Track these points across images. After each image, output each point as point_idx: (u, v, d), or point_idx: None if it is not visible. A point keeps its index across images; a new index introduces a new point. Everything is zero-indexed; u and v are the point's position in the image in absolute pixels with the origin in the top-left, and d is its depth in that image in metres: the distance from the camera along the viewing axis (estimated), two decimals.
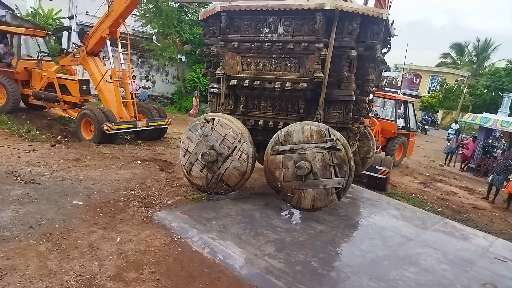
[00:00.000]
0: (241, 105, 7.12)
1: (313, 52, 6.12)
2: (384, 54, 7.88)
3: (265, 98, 6.99)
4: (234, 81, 6.80)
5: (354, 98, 6.57)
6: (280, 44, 6.28)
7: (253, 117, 7.13)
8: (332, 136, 5.95)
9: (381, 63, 7.81)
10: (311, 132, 6.06)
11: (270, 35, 6.41)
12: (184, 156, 6.98)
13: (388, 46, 7.76)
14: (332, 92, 6.45)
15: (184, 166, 7.01)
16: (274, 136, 6.40)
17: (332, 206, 6.48)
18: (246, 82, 6.66)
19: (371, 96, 8.22)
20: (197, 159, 6.78)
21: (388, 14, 6.61)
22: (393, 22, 7.23)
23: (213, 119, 6.68)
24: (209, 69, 7.43)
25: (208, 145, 6.67)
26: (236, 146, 6.48)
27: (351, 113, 6.67)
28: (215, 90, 7.40)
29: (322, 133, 6.00)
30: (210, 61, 7.38)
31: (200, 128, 6.76)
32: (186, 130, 6.98)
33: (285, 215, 6.79)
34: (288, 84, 6.34)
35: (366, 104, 7.11)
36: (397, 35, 7.88)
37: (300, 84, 6.30)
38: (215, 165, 6.68)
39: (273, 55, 6.48)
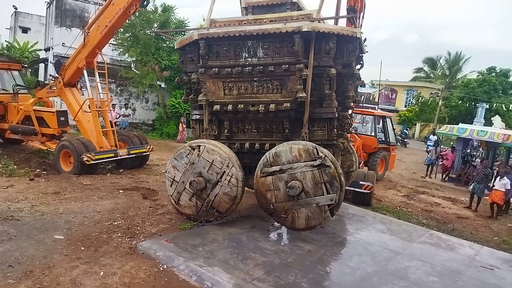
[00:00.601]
0: (225, 130, 7.11)
1: (294, 73, 6.22)
2: (358, 70, 8.11)
3: (249, 121, 7.01)
4: (217, 107, 6.81)
5: (336, 114, 6.69)
6: (261, 67, 6.37)
7: (239, 141, 7.12)
8: (321, 154, 6.00)
9: (357, 79, 8.02)
10: (299, 151, 6.09)
11: (250, 59, 6.50)
12: (171, 186, 6.84)
13: (361, 62, 8.01)
14: (315, 111, 6.55)
15: (171, 196, 6.87)
16: (262, 158, 6.39)
17: (326, 224, 6.45)
18: (230, 107, 6.69)
19: (350, 111, 8.38)
20: (185, 187, 6.67)
21: (361, 33, 6.82)
22: (365, 39, 7.47)
23: (199, 145, 6.62)
24: (189, 96, 7.44)
25: (195, 173, 6.59)
26: (224, 171, 6.43)
27: (335, 130, 6.76)
28: (198, 116, 7.38)
29: (310, 151, 6.04)
30: (190, 88, 7.39)
31: (186, 156, 6.69)
32: (171, 159, 6.87)
33: (273, 236, 6.73)
34: (272, 106, 6.41)
35: (348, 120, 7.26)
36: (367, 52, 8.14)
37: (284, 105, 6.36)
38: (204, 193, 6.58)
39: (255, 78, 6.55)
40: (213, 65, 6.68)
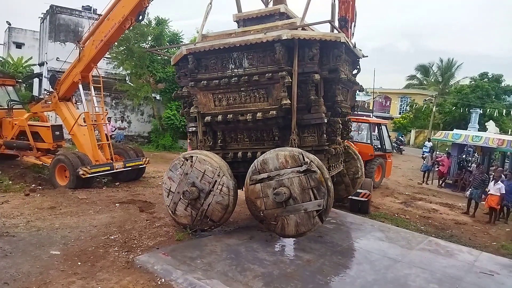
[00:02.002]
0: (219, 140, 7.20)
1: (278, 80, 6.29)
2: (355, 75, 8.17)
3: (241, 130, 7.08)
4: (208, 118, 6.95)
5: (326, 120, 6.70)
6: (246, 77, 6.48)
7: (232, 150, 7.18)
8: (306, 159, 5.99)
9: (353, 84, 8.06)
10: (285, 157, 6.10)
11: (236, 70, 6.63)
12: (167, 197, 6.96)
13: (358, 67, 8.08)
14: (303, 117, 6.58)
15: (168, 206, 6.98)
16: (251, 166, 6.43)
17: (317, 230, 6.42)
18: (220, 117, 6.81)
19: (347, 117, 8.37)
20: (181, 198, 6.75)
21: (348, 40, 6.87)
22: (355, 44, 7.53)
23: (191, 156, 6.73)
24: (185, 109, 7.58)
25: (189, 183, 6.66)
26: (216, 181, 6.47)
27: (325, 135, 6.76)
28: (194, 128, 7.48)
29: (296, 157, 6.05)
30: (186, 101, 7.54)
31: (180, 167, 6.79)
32: (167, 171, 7.01)
33: (271, 247, 6.69)
34: (259, 114, 6.47)
35: (340, 125, 7.22)
36: (367, 56, 8.21)
37: (270, 113, 6.43)
38: (198, 202, 6.64)
39: (242, 88, 6.66)
40: (202, 78, 6.86)
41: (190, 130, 7.58)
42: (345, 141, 8.89)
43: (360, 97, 44.57)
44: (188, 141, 7.84)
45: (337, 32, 7.07)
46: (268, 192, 6.21)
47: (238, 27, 7.54)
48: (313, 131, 6.68)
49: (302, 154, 6.04)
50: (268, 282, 5.21)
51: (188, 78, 7.05)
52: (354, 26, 8.61)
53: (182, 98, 7.57)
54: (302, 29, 6.51)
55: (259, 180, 6.28)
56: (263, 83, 6.45)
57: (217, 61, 6.79)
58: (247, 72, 6.53)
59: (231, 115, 6.74)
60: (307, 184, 5.99)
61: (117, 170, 10.84)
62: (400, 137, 34.49)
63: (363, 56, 8.07)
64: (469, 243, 9.08)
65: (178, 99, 7.84)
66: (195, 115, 7.12)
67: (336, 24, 7.82)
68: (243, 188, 6.77)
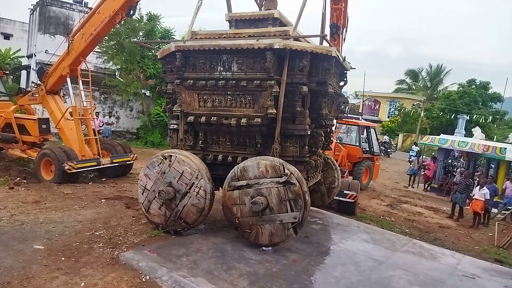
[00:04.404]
0: (200, 141, 7.11)
1: (266, 89, 6.26)
2: (341, 87, 8.22)
3: (223, 134, 7.02)
4: (191, 118, 6.86)
5: (309, 132, 6.69)
6: (234, 81, 6.42)
7: (213, 152, 7.12)
8: (287, 171, 5.98)
9: (339, 96, 8.09)
10: (266, 167, 6.09)
11: (224, 73, 6.56)
12: (142, 194, 6.86)
13: (345, 79, 8.13)
14: (287, 127, 6.56)
15: (142, 204, 6.89)
16: (231, 171, 6.40)
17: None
18: (203, 119, 6.74)
19: (333, 127, 8.42)
20: (155, 196, 6.65)
21: (338, 51, 6.88)
22: (344, 58, 7.53)
23: (171, 155, 6.63)
24: (168, 106, 7.45)
25: (166, 182, 6.58)
26: (193, 183, 6.41)
27: (307, 147, 6.76)
28: (175, 126, 7.39)
29: (276, 168, 6.04)
30: (170, 97, 7.42)
31: (157, 165, 6.69)
32: (144, 168, 6.91)
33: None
34: (244, 120, 6.43)
35: (323, 137, 7.21)
36: (354, 68, 8.28)
37: (255, 120, 6.39)
38: (173, 203, 6.57)
39: (228, 92, 6.59)
40: (189, 76, 6.77)
41: (172, 127, 7.50)
42: (324, 151, 8.85)
43: (350, 99, 44.86)
44: (169, 138, 7.78)
45: (328, 45, 7.06)
46: (245, 199, 6.20)
47: (230, 27, 7.49)
48: (296, 142, 6.67)
49: (283, 165, 6.04)
50: (253, 281, 5.21)
51: (174, 75, 6.93)
52: (346, 31, 8.68)
53: (166, 94, 7.45)
54: (294, 40, 6.49)
55: (238, 187, 6.27)
56: (251, 89, 6.40)
57: (205, 62, 6.69)
58: (235, 76, 6.47)
59: (215, 117, 6.66)
60: (285, 196, 5.99)
61: (104, 166, 10.73)
62: (388, 140, 34.88)
63: (351, 68, 8.11)
64: (453, 246, 9.22)
65: (163, 94, 7.72)
66: (178, 113, 7.02)
67: (328, 31, 7.84)
68: (220, 190, 6.73)
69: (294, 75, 6.40)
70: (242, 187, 6.23)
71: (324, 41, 7.06)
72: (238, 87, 6.45)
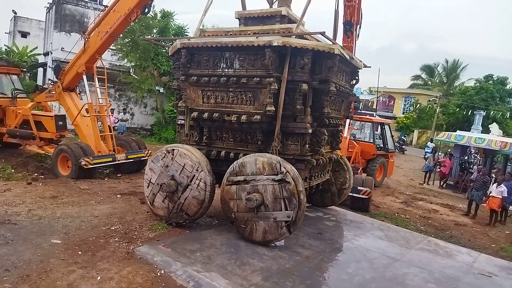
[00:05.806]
0: (205, 136, 7.19)
1: (266, 86, 6.24)
2: (353, 85, 8.12)
3: (226, 130, 7.07)
4: (195, 114, 6.95)
5: (310, 130, 6.62)
6: (235, 78, 6.43)
7: (216, 148, 7.16)
8: (283, 169, 5.97)
9: (349, 95, 7.99)
10: (263, 164, 6.10)
11: (226, 70, 6.58)
12: (147, 187, 7.01)
13: (357, 77, 8.02)
14: (288, 125, 6.53)
15: (147, 197, 7.05)
16: (230, 166, 6.44)
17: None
18: (206, 115, 6.80)
19: (343, 128, 8.24)
20: (159, 189, 6.79)
21: (343, 49, 6.77)
22: (353, 55, 7.40)
23: (173, 149, 6.76)
24: (176, 102, 7.59)
25: (169, 176, 6.70)
26: (194, 175, 6.50)
27: (308, 145, 6.69)
28: (182, 121, 7.48)
29: (273, 166, 6.04)
30: (178, 94, 7.54)
31: (161, 159, 6.83)
32: (149, 162, 7.08)
33: None
34: (244, 117, 6.44)
35: (326, 136, 7.11)
36: (369, 66, 8.14)
37: (255, 117, 6.40)
38: (175, 195, 6.69)
39: (230, 89, 6.62)
40: (193, 73, 6.84)
41: (179, 122, 7.60)
42: (336, 151, 8.63)
43: (363, 95, 44.48)
44: (177, 133, 7.86)
45: (341, 42, 6.97)
46: (242, 195, 6.24)
47: (239, 25, 7.52)
48: (297, 140, 6.64)
49: (280, 163, 6.03)
50: (266, 277, 5.23)
51: (179, 72, 7.02)
52: (360, 28, 8.60)
53: (175, 90, 7.58)
54: (299, 37, 6.44)
55: (235, 182, 6.31)
56: (251, 87, 6.40)
57: (209, 59, 6.72)
58: (236, 73, 6.48)
59: (217, 113, 6.71)
60: (280, 194, 6.00)
61: (119, 162, 10.88)
62: (402, 137, 34.46)
63: (364, 66, 7.97)
64: (468, 244, 9.08)
65: (172, 90, 7.83)
66: (182, 109, 7.17)
67: (341, 28, 7.78)
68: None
69: (295, 72, 6.36)
70: (240, 182, 6.27)
71: (334, 38, 6.98)
72: (239, 84, 6.47)
